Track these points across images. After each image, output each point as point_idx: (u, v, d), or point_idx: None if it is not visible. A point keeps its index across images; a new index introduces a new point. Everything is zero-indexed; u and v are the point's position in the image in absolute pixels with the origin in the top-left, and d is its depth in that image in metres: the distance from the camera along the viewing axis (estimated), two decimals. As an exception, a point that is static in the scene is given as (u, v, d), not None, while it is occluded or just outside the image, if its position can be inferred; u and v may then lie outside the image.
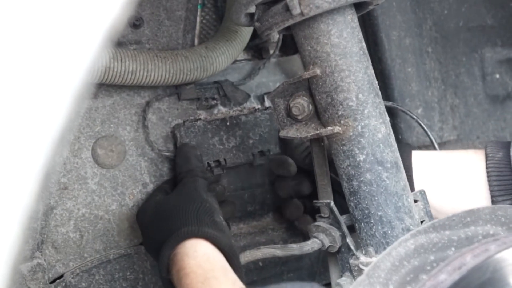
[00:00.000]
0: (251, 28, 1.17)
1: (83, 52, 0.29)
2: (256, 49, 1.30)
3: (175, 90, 1.16)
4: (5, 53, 0.28)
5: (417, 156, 1.03)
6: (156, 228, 0.94)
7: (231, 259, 0.86)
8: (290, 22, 0.81)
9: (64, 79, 0.29)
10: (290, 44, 1.32)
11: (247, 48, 1.27)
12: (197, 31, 1.19)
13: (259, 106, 1.25)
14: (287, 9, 0.80)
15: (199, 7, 1.19)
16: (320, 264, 1.31)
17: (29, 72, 0.29)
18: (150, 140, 1.13)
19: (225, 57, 1.11)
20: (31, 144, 0.27)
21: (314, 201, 0.98)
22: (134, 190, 1.12)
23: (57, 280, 1.06)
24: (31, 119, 0.28)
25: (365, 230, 0.90)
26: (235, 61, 1.21)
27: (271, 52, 1.27)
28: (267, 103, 1.25)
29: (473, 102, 1.53)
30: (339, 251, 0.97)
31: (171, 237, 0.87)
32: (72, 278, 1.07)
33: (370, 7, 0.90)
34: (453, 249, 0.70)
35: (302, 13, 0.79)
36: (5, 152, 0.27)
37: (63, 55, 0.29)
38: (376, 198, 0.87)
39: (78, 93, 0.29)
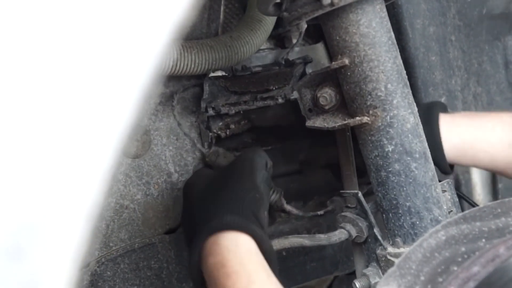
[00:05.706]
0: (275, 18, 1.17)
1: (153, 46, 0.29)
2: (279, 38, 1.29)
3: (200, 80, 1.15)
4: (87, 48, 0.28)
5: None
6: (200, 206, 0.86)
7: (270, 261, 0.80)
8: (320, 12, 0.80)
9: (136, 73, 0.29)
10: (312, 33, 1.31)
11: (270, 37, 1.26)
12: (220, 21, 1.19)
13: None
14: (317, -1, 0.79)
15: (223, -5, 1.19)
16: (343, 254, 1.31)
17: (103, 66, 0.29)
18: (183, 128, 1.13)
19: (250, 47, 1.11)
20: (103, 140, 0.28)
21: (341, 191, 0.98)
22: (159, 180, 1.13)
23: (83, 269, 1.07)
24: (105, 114, 0.28)
25: (393, 221, 0.90)
26: (258, 50, 1.20)
27: (294, 41, 1.26)
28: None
29: (495, 91, 1.51)
30: (365, 241, 0.97)
31: (212, 221, 0.79)
32: (98, 266, 1.08)
33: (398, -3, 0.90)
34: (483, 240, 0.70)
35: (332, 3, 0.78)
36: (77, 150, 0.27)
37: (135, 49, 0.29)
38: (404, 188, 0.87)
39: (148, 86, 0.29)
